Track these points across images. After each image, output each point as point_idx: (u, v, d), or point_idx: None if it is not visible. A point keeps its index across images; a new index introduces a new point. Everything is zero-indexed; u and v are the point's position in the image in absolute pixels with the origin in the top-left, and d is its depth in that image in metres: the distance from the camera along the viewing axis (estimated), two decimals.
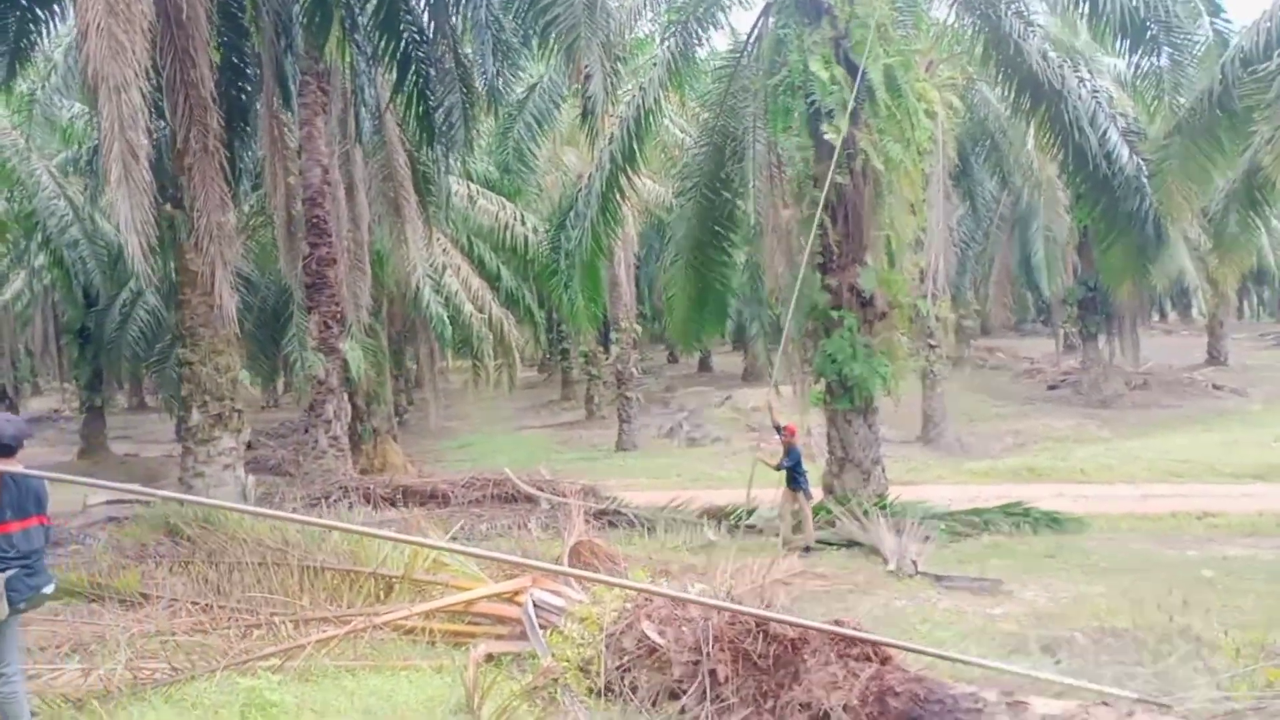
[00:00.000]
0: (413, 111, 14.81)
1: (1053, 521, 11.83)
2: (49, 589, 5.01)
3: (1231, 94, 11.27)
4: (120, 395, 36.80)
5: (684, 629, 5.68)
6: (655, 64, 14.48)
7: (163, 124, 11.83)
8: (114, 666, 6.00)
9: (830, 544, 11.03)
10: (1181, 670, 5.51)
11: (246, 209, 19.21)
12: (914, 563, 9.54)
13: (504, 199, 23.42)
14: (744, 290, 19.79)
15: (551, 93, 17.54)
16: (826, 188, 10.96)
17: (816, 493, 11.94)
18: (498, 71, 14.29)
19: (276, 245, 17.35)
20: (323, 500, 13.38)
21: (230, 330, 11.58)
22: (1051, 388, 29.52)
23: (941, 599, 8.44)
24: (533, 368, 40.66)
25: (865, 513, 11.25)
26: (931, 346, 22.29)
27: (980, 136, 23.95)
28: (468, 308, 21.94)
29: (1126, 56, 13.53)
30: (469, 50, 14.52)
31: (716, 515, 12.21)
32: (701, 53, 15.31)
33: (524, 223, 23.52)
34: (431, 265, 20.41)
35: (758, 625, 5.37)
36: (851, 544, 10.90)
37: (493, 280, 24.41)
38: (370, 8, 13.94)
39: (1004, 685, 4.80)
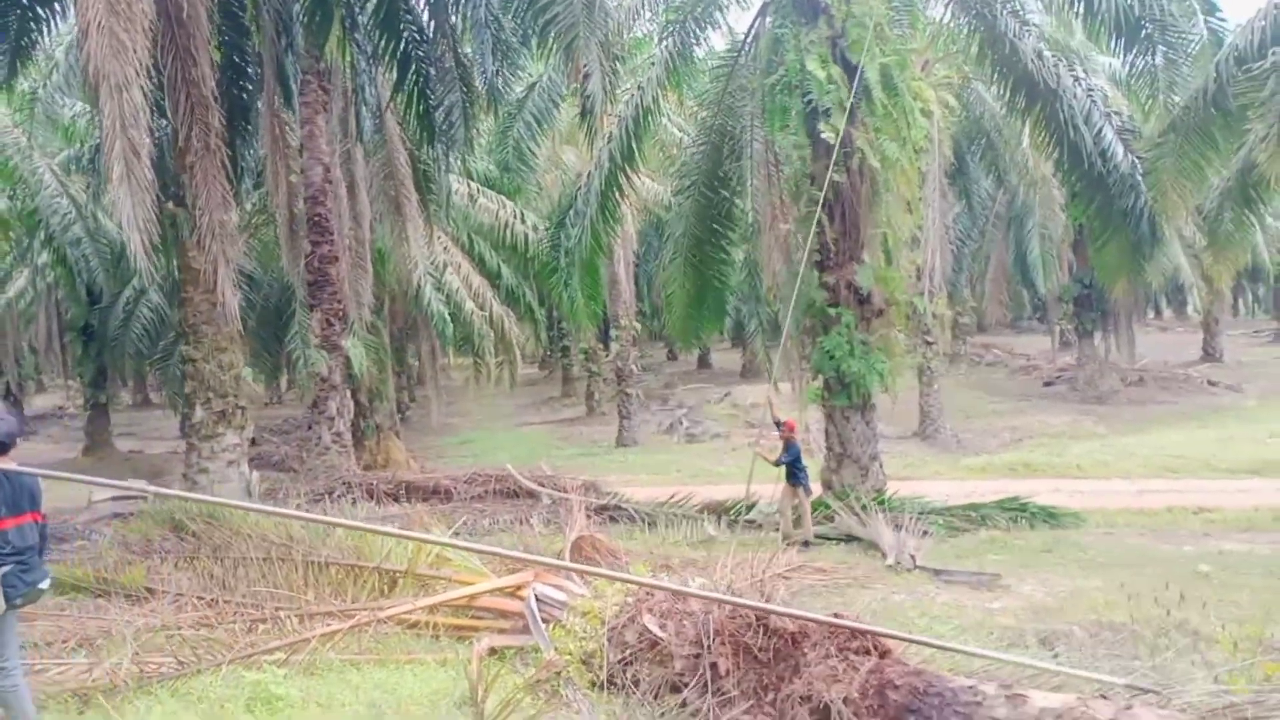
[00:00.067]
0: (413, 110, 14.87)
1: (1049, 517, 11.87)
2: (45, 584, 5.07)
3: (1226, 92, 11.30)
4: (124, 392, 36.70)
5: (685, 623, 5.72)
6: (654, 63, 14.49)
7: (164, 122, 11.88)
8: (120, 661, 6.04)
9: (829, 539, 11.08)
10: (1179, 664, 5.53)
11: (248, 207, 19.26)
12: (912, 557, 9.60)
13: (504, 197, 23.45)
14: (742, 288, 19.77)
15: (551, 92, 17.54)
16: (824, 186, 11.04)
17: (815, 488, 11.98)
18: (497, 70, 14.32)
19: (279, 243, 17.43)
20: (326, 496, 13.41)
21: (233, 327, 11.64)
22: (1047, 384, 29.52)
23: (940, 593, 8.47)
24: (533, 365, 40.71)
25: (864, 508, 11.32)
26: (928, 343, 22.27)
27: (976, 135, 24.04)
28: (469, 305, 21.97)
29: (1121, 55, 13.56)
30: (469, 49, 14.54)
31: (716, 510, 12.27)
32: (699, 52, 15.31)
33: (524, 221, 23.56)
34: (432, 263, 20.43)
35: (758, 619, 5.40)
36: (850, 539, 10.95)
37: (493, 278, 24.44)
38: (370, 7, 13.98)
39: (1003, 678, 4.83)
